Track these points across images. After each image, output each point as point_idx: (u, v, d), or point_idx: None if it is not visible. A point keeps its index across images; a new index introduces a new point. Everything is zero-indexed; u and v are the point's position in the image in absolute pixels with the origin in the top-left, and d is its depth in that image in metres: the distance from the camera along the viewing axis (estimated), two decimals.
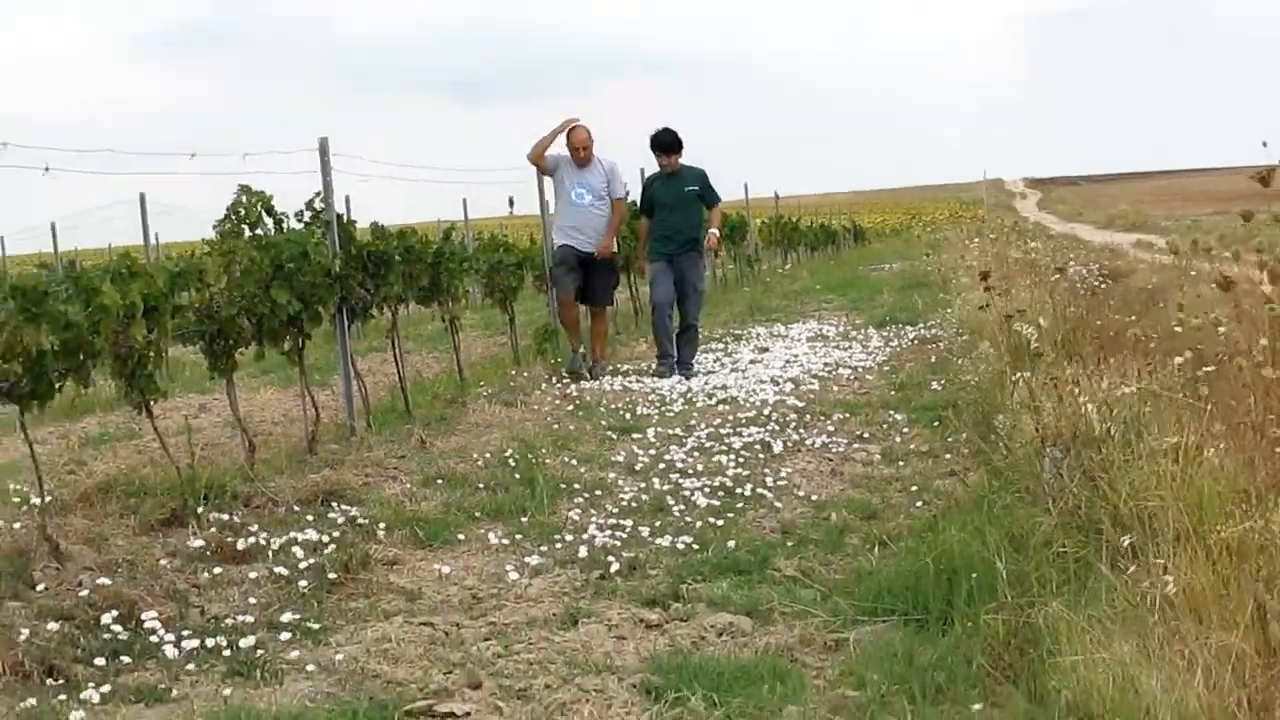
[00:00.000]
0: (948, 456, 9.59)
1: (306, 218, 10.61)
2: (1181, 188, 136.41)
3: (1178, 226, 50.21)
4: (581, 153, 14.96)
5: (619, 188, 15.26)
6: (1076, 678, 4.36)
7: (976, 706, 4.89)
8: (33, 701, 5.46)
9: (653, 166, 16.11)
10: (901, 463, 9.69)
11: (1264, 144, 4.57)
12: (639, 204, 15.95)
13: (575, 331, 15.35)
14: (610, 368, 15.63)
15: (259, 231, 9.86)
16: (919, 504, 8.30)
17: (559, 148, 15.11)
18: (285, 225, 10.14)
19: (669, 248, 15.37)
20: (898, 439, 10.60)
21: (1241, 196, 5.57)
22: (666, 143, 15.24)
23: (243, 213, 9.72)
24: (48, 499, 7.91)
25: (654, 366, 15.32)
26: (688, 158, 15.66)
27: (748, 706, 5.17)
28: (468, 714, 5.29)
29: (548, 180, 15.65)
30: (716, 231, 16.20)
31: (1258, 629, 4.13)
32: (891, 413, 11.76)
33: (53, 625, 6.18)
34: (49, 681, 5.69)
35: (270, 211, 9.96)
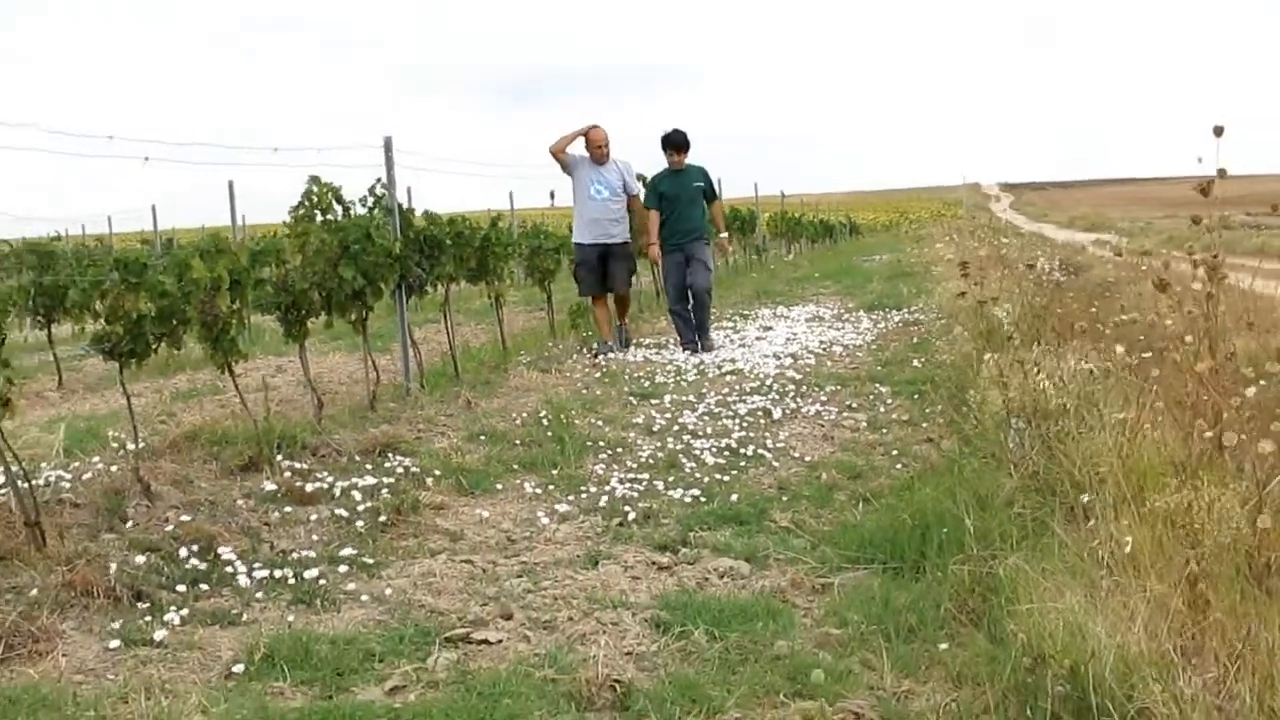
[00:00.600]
0: (925, 425, 9.58)
1: (370, 204, 10.64)
2: (1136, 193, 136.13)
3: (1132, 228, 50.14)
4: (600, 150, 14.64)
5: (634, 185, 15.06)
6: (1031, 623, 4.36)
7: (943, 646, 4.89)
8: (122, 621, 5.50)
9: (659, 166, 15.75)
10: (885, 430, 9.68)
11: (1199, 159, 4.59)
12: (647, 199, 15.30)
13: (606, 325, 15.03)
14: (633, 340, 15.53)
15: (329, 216, 9.89)
16: (899, 466, 8.29)
17: (578, 148, 14.80)
18: (351, 211, 10.16)
19: (678, 239, 15.06)
20: (882, 409, 10.59)
21: (1189, 202, 5.57)
22: (678, 141, 14.95)
23: (315, 200, 9.74)
24: (141, 445, 7.94)
25: (677, 343, 15.12)
26: (698, 158, 15.46)
27: (744, 640, 5.17)
28: (500, 641, 5.31)
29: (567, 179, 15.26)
30: (727, 234, 16.41)
31: (1187, 586, 4.13)
32: (877, 386, 11.74)
33: (141, 556, 6.21)
34: (137, 605, 5.72)
35: (339, 199, 9.99)
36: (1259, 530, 4.40)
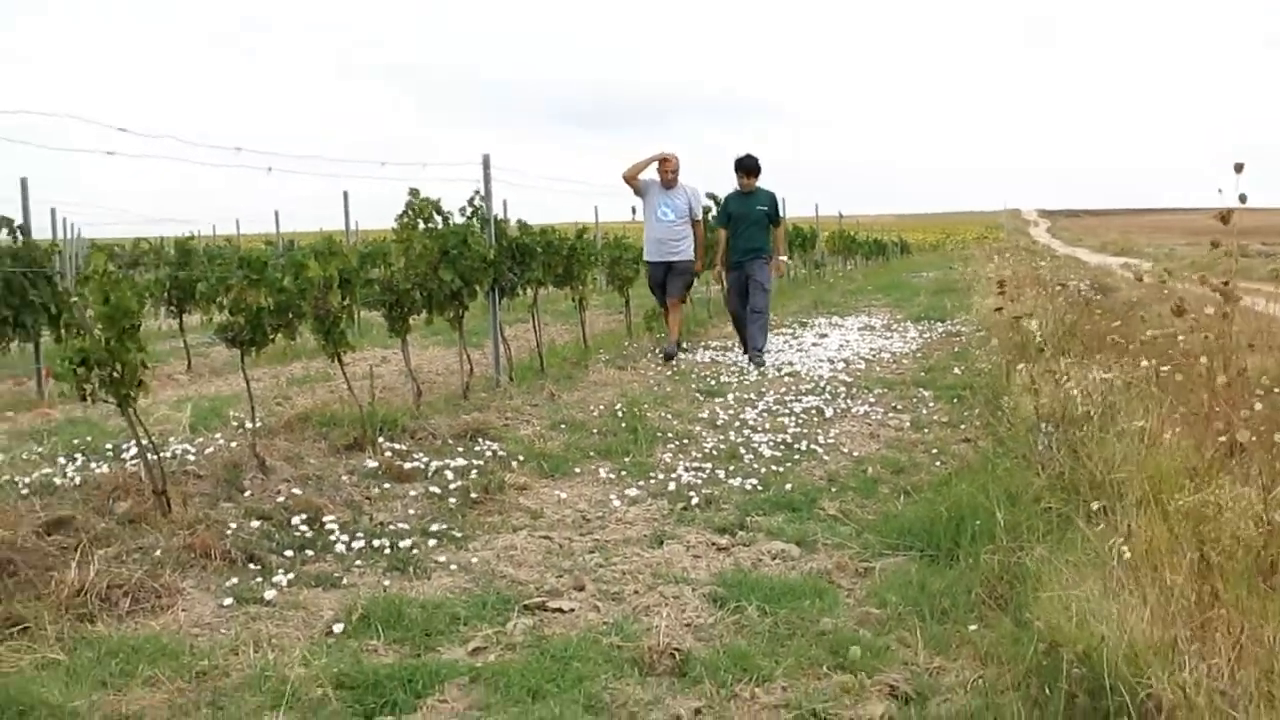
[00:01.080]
0: (963, 427, 9.51)
1: (468, 213, 10.68)
2: (1162, 222, 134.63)
3: (1157, 253, 49.59)
4: (670, 176, 14.32)
5: (698, 209, 14.63)
6: (1052, 609, 4.32)
7: (973, 627, 4.86)
8: (236, 580, 5.55)
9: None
10: (926, 430, 9.61)
11: (1219, 190, 4.55)
12: (717, 218, 15.03)
13: (676, 326, 14.61)
14: (685, 346, 15.12)
15: (430, 224, 9.94)
16: (938, 463, 8.24)
17: (651, 173, 14.53)
18: (450, 220, 10.21)
19: (740, 257, 14.54)
20: (924, 411, 10.52)
21: (1210, 231, 5.51)
22: (749, 166, 14.48)
23: (416, 209, 9.79)
24: (258, 424, 8.00)
25: (729, 361, 14.25)
26: (771, 181, 14.99)
27: (792, 616, 5.16)
28: (572, 610, 5.31)
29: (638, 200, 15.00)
30: (784, 256, 15.63)
31: (1197, 579, 4.08)
32: (921, 390, 11.67)
33: (255, 523, 6.27)
34: (249, 567, 5.77)
35: (438, 210, 10.03)
36: (1267, 529, 4.35)
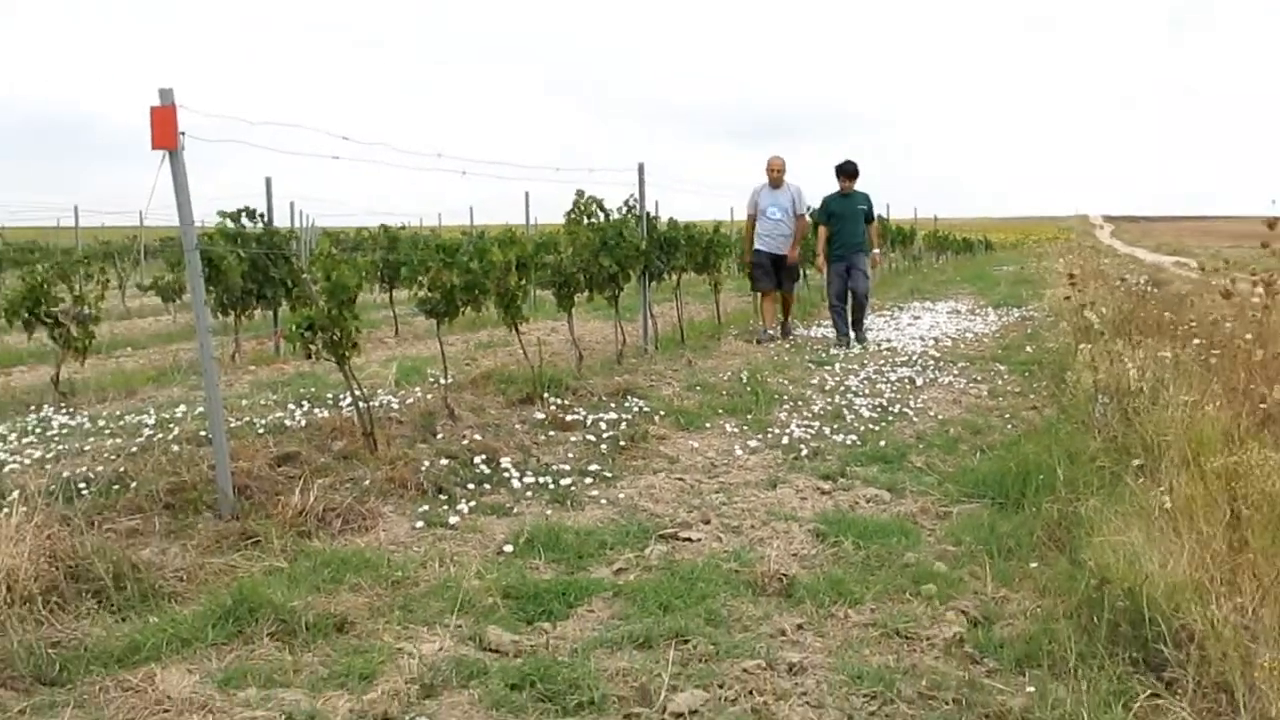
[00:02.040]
0: (1031, 396, 9.33)
1: (624, 211, 10.71)
2: (1210, 228, 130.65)
3: (1204, 253, 48.23)
4: (775, 175, 13.56)
5: (802, 207, 13.77)
6: (1102, 551, 4.22)
7: (1034, 565, 4.76)
8: (426, 508, 5.62)
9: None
10: (1001, 398, 9.44)
11: (1273, 200, 4.40)
12: (819, 215, 14.08)
13: (770, 316, 13.94)
14: (798, 327, 14.57)
15: (592, 219, 9.97)
16: (1010, 426, 8.09)
17: (760, 178, 13.79)
18: (610, 216, 10.23)
19: (842, 250, 13.70)
20: (1000, 382, 10.33)
21: (1254, 235, 5.34)
22: (848, 170, 13.74)
23: (582, 207, 9.83)
24: (450, 381, 8.10)
25: (834, 339, 13.59)
26: (871, 186, 14.62)
27: (882, 550, 5.09)
28: (699, 540, 5.30)
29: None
30: (878, 251, 14.83)
31: (1230, 530, 3.96)
32: (997, 365, 11.47)
33: (444, 461, 6.34)
34: (438, 497, 5.85)
35: (601, 208, 10.07)
36: None
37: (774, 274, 13.81)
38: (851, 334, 13.50)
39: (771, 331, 13.67)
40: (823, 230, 14.02)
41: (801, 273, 15.13)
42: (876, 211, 14.42)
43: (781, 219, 13.61)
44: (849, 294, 13.73)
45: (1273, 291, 5.34)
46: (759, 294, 14.26)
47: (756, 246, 13.83)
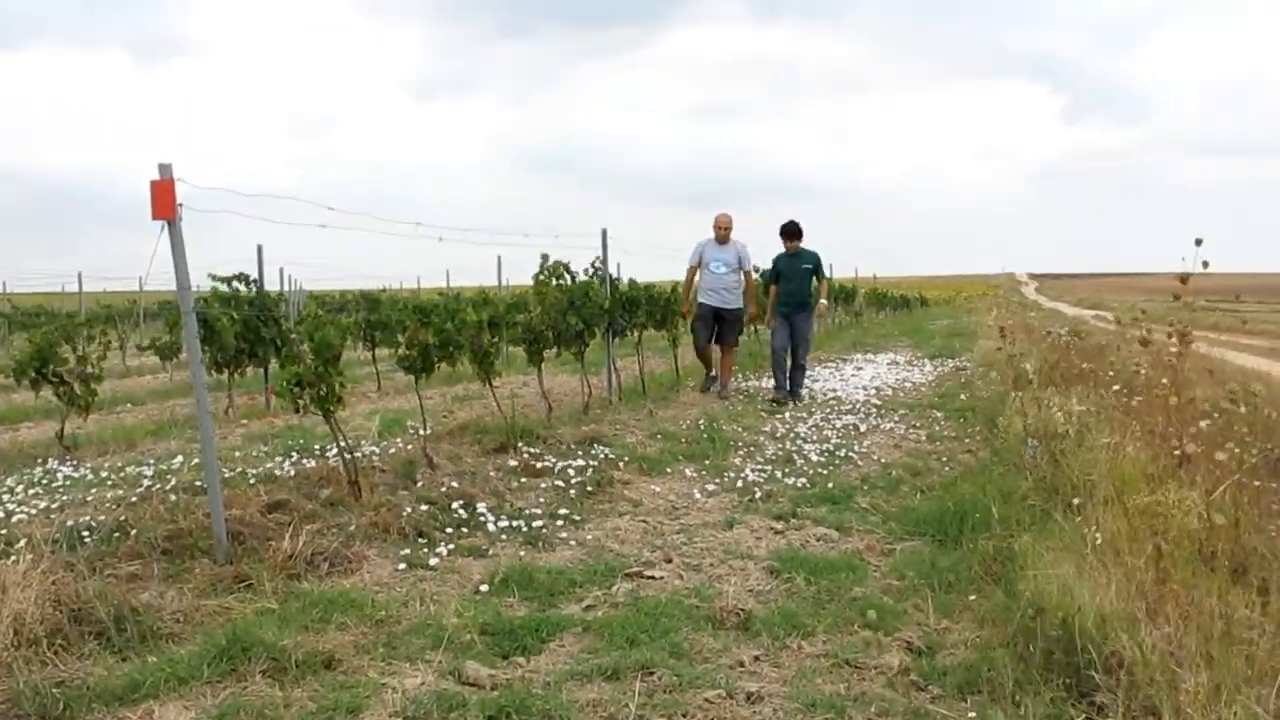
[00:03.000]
0: (967, 440, 9.36)
1: (590, 273, 10.71)
2: (1126, 283, 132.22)
3: (1121, 307, 48.78)
4: (721, 231, 12.69)
5: (748, 262, 12.89)
6: (1035, 585, 4.22)
7: (972, 597, 4.75)
8: (408, 550, 5.55)
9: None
10: (938, 442, 9.47)
11: (1183, 259, 4.44)
12: (768, 276, 13.44)
13: (709, 363, 13.17)
14: (735, 388, 13.32)
15: (560, 281, 9.95)
16: (947, 468, 8.10)
17: (706, 232, 12.85)
18: (576, 278, 10.22)
19: (787, 308, 12.98)
20: (937, 428, 10.37)
21: (1165, 289, 5.38)
22: (790, 230, 13.09)
23: (550, 270, 9.82)
24: (428, 432, 8.04)
25: (771, 392, 12.92)
26: (816, 244, 14.23)
27: (832, 585, 5.07)
28: (662, 577, 5.25)
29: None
30: (825, 301, 13.78)
31: (1153, 564, 3.96)
32: (935, 411, 11.53)
33: (424, 507, 6.27)
34: (419, 540, 5.77)
35: (568, 270, 10.04)
36: (1207, 524, 4.21)
37: (712, 325, 12.90)
38: (787, 389, 12.85)
39: (714, 374, 13.14)
40: (772, 290, 13.33)
41: (745, 327, 14.12)
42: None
43: (725, 273, 12.77)
44: (789, 353, 13.12)
45: (1186, 341, 5.37)
46: (697, 346, 13.26)
47: (700, 299, 13.01)
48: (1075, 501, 5.27)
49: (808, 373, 13.93)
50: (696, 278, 12.98)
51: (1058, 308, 52.23)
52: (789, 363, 12.97)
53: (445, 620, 4.49)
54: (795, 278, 13.02)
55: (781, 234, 13.23)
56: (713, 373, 13.14)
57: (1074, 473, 5.92)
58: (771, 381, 13.43)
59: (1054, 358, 11.42)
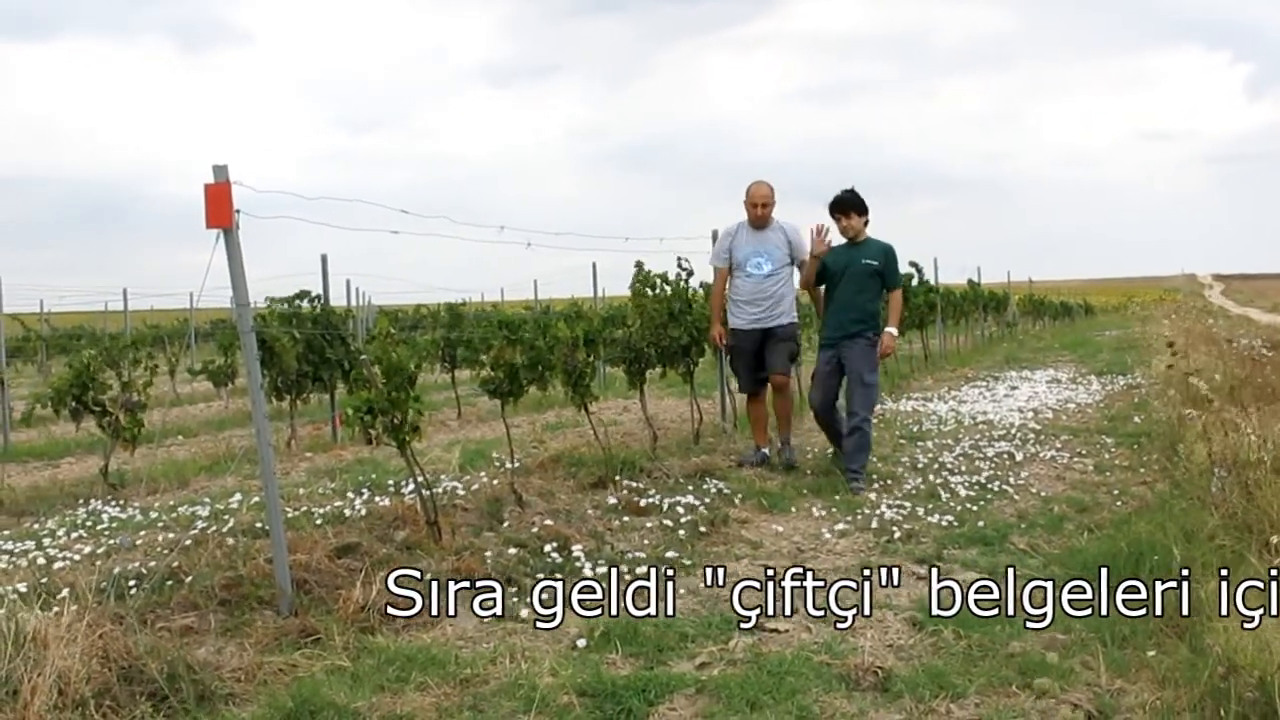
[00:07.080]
0: (1142, 470, 9.21)
1: (681, 275, 10.65)
2: None
3: None
4: (760, 210, 9.54)
5: (803, 250, 9.46)
6: (1226, 639, 4.14)
7: (1151, 653, 4.68)
8: (496, 600, 5.59)
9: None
10: (1108, 473, 9.33)
11: None
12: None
13: (761, 429, 9.92)
14: (796, 448, 9.99)
15: (657, 291, 9.95)
16: (1119, 503, 7.98)
17: (740, 216, 9.80)
18: (676, 286, 10.19)
19: (832, 330, 9.21)
20: (1106, 456, 10.22)
21: None
22: (847, 203, 9.14)
23: (644, 279, 9.85)
24: (516, 464, 8.14)
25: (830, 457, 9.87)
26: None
27: (984, 639, 5.02)
28: (787, 630, 5.26)
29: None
30: (894, 330, 9.33)
31: None
32: (1103, 437, 11.35)
33: (512, 550, 6.35)
34: (507, 588, 5.83)
35: (666, 280, 10.02)
36: None
37: (760, 360, 9.80)
38: (848, 470, 9.00)
39: (765, 451, 9.84)
40: (817, 294, 9.68)
41: (799, 348, 10.50)
42: (905, 271, 11.33)
43: (772, 272, 9.65)
44: (836, 402, 9.53)
45: None
46: (746, 397, 10.35)
47: (734, 321, 9.85)
48: (1274, 540, 5.17)
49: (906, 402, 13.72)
50: (727, 286, 9.97)
51: (1247, 314, 50.92)
52: (839, 423, 9.44)
53: (539, 680, 4.54)
54: (852, 283, 9.19)
55: (831, 209, 9.29)
56: (763, 445, 9.93)
57: (1272, 507, 5.80)
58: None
59: (1242, 372, 11.18)
